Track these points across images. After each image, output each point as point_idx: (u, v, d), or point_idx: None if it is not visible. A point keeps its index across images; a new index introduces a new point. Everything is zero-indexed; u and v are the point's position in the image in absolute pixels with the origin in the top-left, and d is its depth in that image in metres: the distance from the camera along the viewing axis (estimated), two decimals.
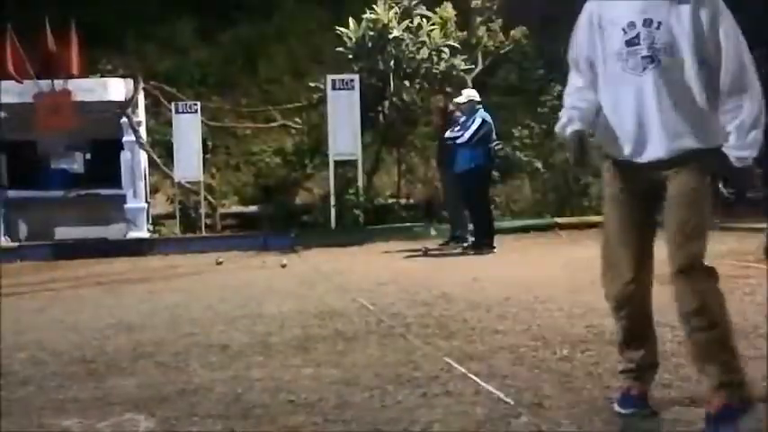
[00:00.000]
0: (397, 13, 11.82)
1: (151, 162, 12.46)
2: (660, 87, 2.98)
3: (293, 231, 11.73)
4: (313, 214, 12.39)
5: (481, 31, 12.81)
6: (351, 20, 12.02)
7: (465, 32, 12.54)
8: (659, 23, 2.96)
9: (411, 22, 11.88)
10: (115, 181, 11.88)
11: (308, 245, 10.93)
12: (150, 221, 12.24)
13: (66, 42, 11.69)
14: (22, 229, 12.17)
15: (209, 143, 13.62)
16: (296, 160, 13.57)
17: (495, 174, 10.70)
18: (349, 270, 8.46)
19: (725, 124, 2.99)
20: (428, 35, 11.91)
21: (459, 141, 9.52)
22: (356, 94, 11.64)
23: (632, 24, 3.00)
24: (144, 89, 12.55)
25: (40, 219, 12.07)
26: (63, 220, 12.13)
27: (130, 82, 12.21)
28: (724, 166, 3.04)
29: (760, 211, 10.05)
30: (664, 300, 5.88)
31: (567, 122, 3.27)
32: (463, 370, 4.08)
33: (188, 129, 12.02)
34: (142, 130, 12.25)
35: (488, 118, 9.70)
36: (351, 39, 11.96)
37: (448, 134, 9.67)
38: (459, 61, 12.11)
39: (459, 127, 9.64)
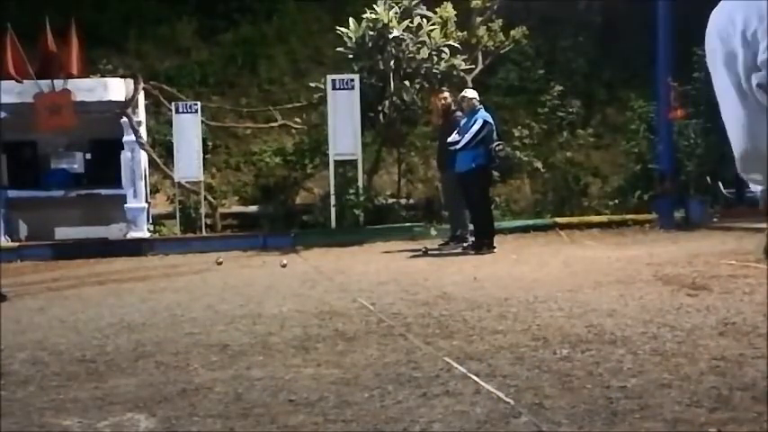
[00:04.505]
0: (397, 12, 11.81)
1: (151, 162, 12.45)
2: None
3: (293, 231, 11.74)
4: (313, 214, 12.39)
5: (481, 31, 12.80)
6: (351, 20, 12.02)
7: (465, 32, 12.54)
8: None
9: (411, 21, 11.87)
10: (115, 181, 11.88)
11: (308, 245, 10.93)
12: (150, 221, 12.23)
13: (66, 42, 11.68)
14: (22, 229, 12.17)
15: (209, 143, 13.63)
16: (296, 160, 13.57)
17: (496, 174, 10.68)
18: (349, 270, 8.47)
19: None
20: (428, 35, 11.90)
21: (457, 147, 9.51)
22: (356, 93, 11.64)
23: None
24: (144, 89, 12.55)
25: (40, 219, 12.06)
26: (63, 220, 12.13)
27: (130, 82, 12.20)
28: None
29: (760, 211, 10.06)
30: (664, 300, 5.92)
31: None
32: (463, 370, 4.09)
33: (188, 129, 12.01)
34: (142, 130, 12.24)
35: (489, 118, 9.69)
36: (351, 39, 11.96)
37: (449, 140, 9.65)
38: (459, 61, 12.10)
39: (459, 131, 9.62)
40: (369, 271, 8.31)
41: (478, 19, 12.97)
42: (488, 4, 12.86)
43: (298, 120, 14.02)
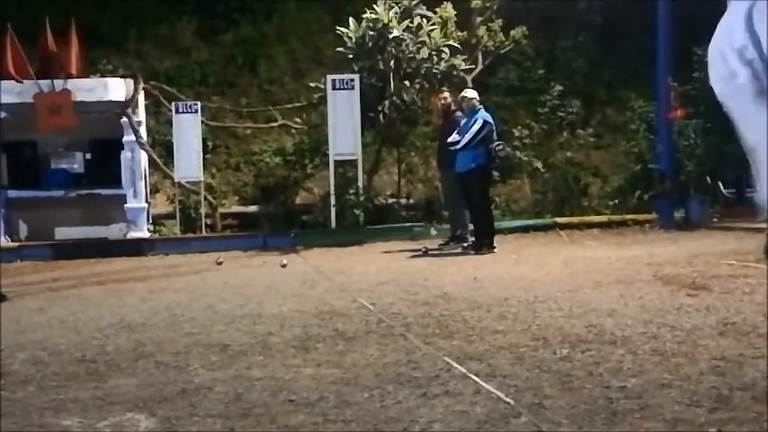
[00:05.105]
0: (397, 12, 11.81)
1: (151, 162, 12.46)
2: None
3: (293, 231, 11.74)
4: (313, 214, 12.40)
5: (481, 31, 12.81)
6: (351, 20, 12.02)
7: (465, 32, 12.54)
8: None
9: (411, 21, 11.87)
10: (115, 181, 11.89)
11: (308, 245, 10.93)
12: (150, 221, 12.23)
13: (66, 42, 11.69)
14: (22, 229, 12.17)
15: (209, 143, 13.63)
16: (296, 160, 13.58)
17: (496, 174, 10.69)
18: (349, 270, 8.46)
19: None
20: (428, 35, 11.90)
21: (457, 147, 9.51)
22: (356, 93, 11.64)
23: None
24: (144, 89, 12.55)
25: (40, 219, 12.06)
26: (63, 220, 12.13)
27: (130, 82, 12.20)
28: None
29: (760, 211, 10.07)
30: (664, 300, 5.92)
31: None
32: (463, 370, 4.08)
33: (188, 129, 12.02)
34: (142, 130, 12.25)
35: (489, 118, 9.70)
36: (351, 38, 11.96)
37: (449, 140, 9.65)
38: (459, 61, 12.10)
39: (459, 131, 9.62)
40: (369, 271, 8.30)
41: (478, 19, 12.97)
42: (488, 4, 12.86)
43: (298, 120, 14.02)
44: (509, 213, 12.97)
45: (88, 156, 12.40)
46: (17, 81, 11.36)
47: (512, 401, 3.52)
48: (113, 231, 12.09)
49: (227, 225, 12.91)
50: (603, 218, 12.32)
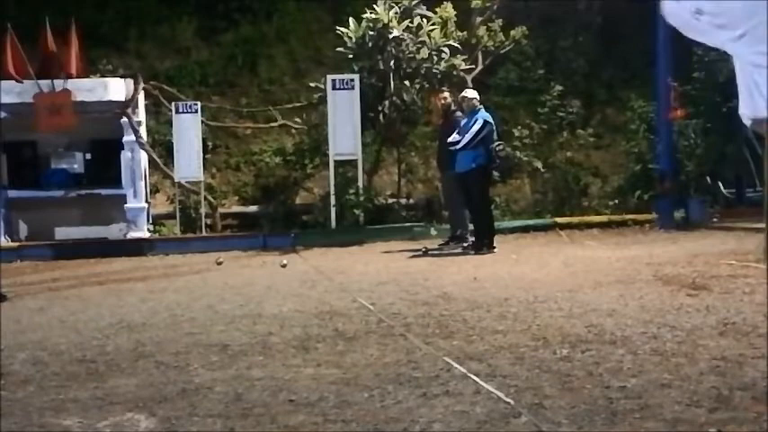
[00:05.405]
0: (397, 12, 11.81)
1: (151, 162, 12.46)
2: None
3: (293, 231, 11.75)
4: (313, 214, 12.40)
5: (481, 30, 12.81)
6: (351, 20, 12.02)
7: (465, 32, 12.54)
8: None
9: (411, 21, 11.86)
10: (115, 181, 11.89)
11: (308, 245, 10.93)
12: (150, 221, 12.24)
13: (66, 42, 11.69)
14: (22, 229, 12.18)
15: (210, 143, 13.63)
16: (296, 160, 13.58)
17: (496, 174, 10.69)
18: (349, 270, 8.47)
19: None
20: (428, 35, 11.90)
21: (457, 147, 9.51)
22: (356, 93, 11.65)
23: None
24: (144, 89, 12.55)
25: (40, 219, 12.07)
26: (63, 220, 12.14)
27: (130, 82, 12.20)
28: None
29: (760, 211, 10.08)
30: (664, 300, 5.92)
31: None
32: (463, 370, 4.09)
33: (188, 129, 12.02)
34: (142, 130, 12.24)
35: (489, 118, 9.69)
36: (351, 38, 11.96)
37: (449, 140, 9.65)
38: (459, 61, 12.10)
39: (459, 131, 9.62)
40: (369, 271, 8.31)
41: (478, 19, 12.96)
42: (488, 4, 12.85)
43: (298, 120, 14.02)
44: (509, 213, 12.97)
45: (88, 156, 12.41)
46: (17, 81, 11.36)
47: (512, 401, 3.52)
48: (113, 231, 12.09)
49: (227, 225, 12.92)
50: (603, 218, 12.32)
